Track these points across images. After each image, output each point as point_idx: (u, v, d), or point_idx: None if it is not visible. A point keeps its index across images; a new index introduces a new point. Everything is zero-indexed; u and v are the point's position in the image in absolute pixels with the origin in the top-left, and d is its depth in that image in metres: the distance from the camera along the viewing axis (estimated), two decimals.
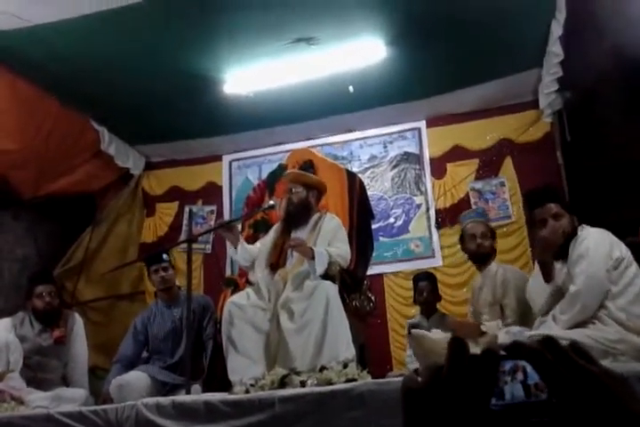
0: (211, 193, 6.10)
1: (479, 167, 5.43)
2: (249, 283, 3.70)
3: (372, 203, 4.65)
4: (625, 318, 2.68)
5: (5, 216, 5.34)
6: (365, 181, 4.95)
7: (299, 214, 3.67)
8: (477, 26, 4.31)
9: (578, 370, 0.50)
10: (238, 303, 3.30)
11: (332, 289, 3.23)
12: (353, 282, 3.72)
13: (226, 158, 6.17)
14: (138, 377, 3.62)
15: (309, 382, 2.76)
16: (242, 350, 3.17)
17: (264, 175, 5.19)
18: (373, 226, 4.63)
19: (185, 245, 3.68)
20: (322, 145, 5.81)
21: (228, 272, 5.53)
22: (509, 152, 5.38)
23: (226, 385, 3.15)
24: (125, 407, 2.67)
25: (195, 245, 3.98)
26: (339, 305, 3.19)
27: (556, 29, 4.29)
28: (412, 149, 5.71)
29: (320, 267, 3.31)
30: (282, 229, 3.70)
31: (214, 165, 6.18)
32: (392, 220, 5.56)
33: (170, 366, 3.83)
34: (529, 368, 0.51)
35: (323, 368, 2.86)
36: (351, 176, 4.27)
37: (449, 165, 5.54)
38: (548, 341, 0.52)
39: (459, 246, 5.20)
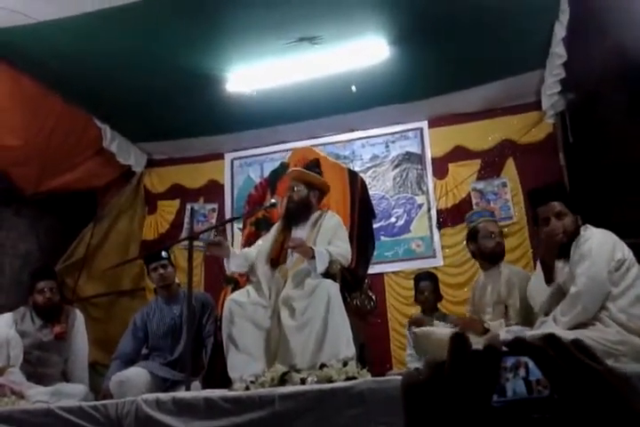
0: (212, 191, 6.11)
1: (481, 168, 5.43)
2: (249, 281, 3.70)
3: (373, 202, 4.65)
4: (626, 320, 2.68)
5: (7, 212, 5.35)
6: (367, 181, 4.96)
7: (298, 212, 3.67)
8: (480, 26, 4.31)
9: (580, 367, 0.50)
10: (238, 301, 3.30)
11: (333, 287, 3.23)
12: (354, 281, 3.72)
13: (228, 156, 6.18)
14: (138, 373, 3.63)
15: (309, 379, 2.77)
16: (242, 347, 3.17)
17: (266, 174, 5.20)
18: (375, 225, 4.63)
19: (186, 243, 3.69)
20: (324, 144, 5.82)
21: (228, 271, 5.53)
22: (511, 153, 5.38)
23: (226, 382, 3.15)
24: (125, 403, 2.67)
25: (196, 243, 3.97)
26: (340, 303, 3.19)
27: (559, 31, 4.29)
28: (414, 148, 5.72)
29: (321, 266, 3.31)
30: (282, 226, 3.70)
31: (216, 163, 6.19)
32: (393, 219, 5.56)
33: (169, 363, 3.84)
34: (531, 364, 0.51)
35: (323, 366, 2.87)
36: (353, 175, 4.27)
37: (451, 166, 5.54)
38: (551, 337, 0.52)
39: (460, 246, 5.24)
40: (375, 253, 4.36)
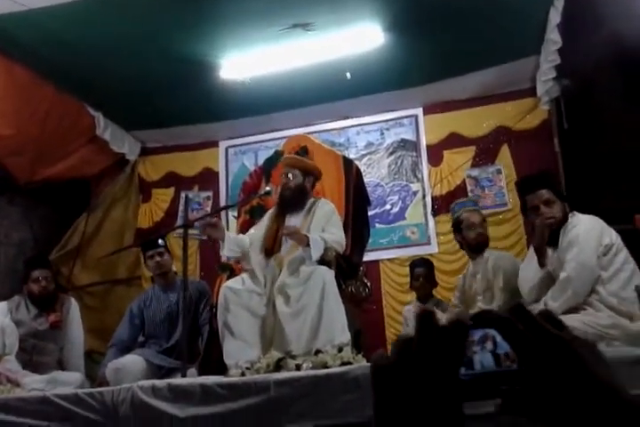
0: (207, 179, 6.10)
1: (476, 155, 5.43)
2: (244, 268, 3.70)
3: (368, 189, 4.64)
4: (616, 303, 2.72)
5: (1, 201, 5.33)
6: (362, 168, 4.95)
7: (294, 199, 3.66)
8: (475, 12, 4.29)
9: (546, 336, 0.50)
10: (233, 288, 3.31)
11: (328, 274, 3.24)
12: (349, 268, 3.72)
13: (222, 144, 6.16)
14: (134, 361, 3.64)
15: (305, 365, 2.78)
16: (237, 334, 3.18)
17: (260, 161, 5.18)
18: (370, 213, 4.63)
19: (181, 231, 3.68)
20: (319, 132, 5.79)
21: (224, 258, 5.53)
22: (506, 140, 5.38)
23: (221, 369, 3.17)
24: (121, 390, 2.68)
25: (191, 231, 3.97)
26: (335, 290, 3.20)
27: (555, 17, 4.28)
28: (409, 136, 5.71)
29: (316, 253, 3.31)
30: (276, 214, 3.70)
31: (210, 150, 6.17)
32: (388, 206, 5.57)
33: (166, 350, 3.85)
34: (499, 338, 0.51)
35: (318, 352, 2.88)
36: (348, 163, 4.26)
37: (445, 153, 5.54)
38: (517, 308, 0.52)
39: None
40: (370, 240, 4.37)
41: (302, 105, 5.54)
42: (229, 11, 4.18)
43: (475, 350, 0.51)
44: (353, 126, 5.86)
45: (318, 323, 3.07)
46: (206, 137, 6.10)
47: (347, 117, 5.84)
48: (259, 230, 3.67)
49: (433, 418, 0.49)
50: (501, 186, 5.30)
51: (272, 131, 5.94)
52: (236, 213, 4.72)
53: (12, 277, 4.95)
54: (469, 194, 5.25)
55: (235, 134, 6.07)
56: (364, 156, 5.75)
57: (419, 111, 5.71)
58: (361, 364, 2.62)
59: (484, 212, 5.06)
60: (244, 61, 4.83)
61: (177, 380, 2.85)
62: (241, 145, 6.12)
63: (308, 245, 3.32)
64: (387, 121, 5.79)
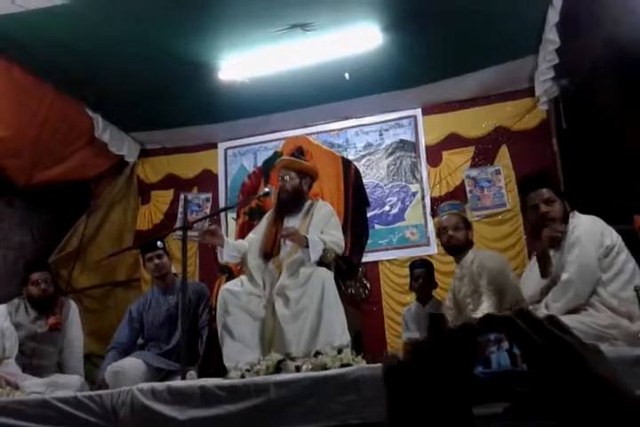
0: (206, 181, 6.09)
1: (475, 155, 5.43)
2: (243, 270, 3.70)
3: (367, 191, 4.65)
4: (617, 304, 2.73)
5: (0, 204, 5.32)
6: (361, 169, 4.95)
7: (291, 202, 3.65)
8: (473, 13, 4.28)
9: (551, 338, 0.51)
10: (232, 290, 3.31)
11: (327, 276, 3.24)
12: (348, 269, 3.73)
13: (221, 146, 6.16)
14: (133, 364, 3.63)
15: (304, 367, 2.78)
16: (237, 336, 3.18)
17: (259, 163, 5.19)
18: (369, 214, 4.63)
19: (180, 233, 3.68)
20: (317, 132, 5.80)
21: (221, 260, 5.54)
22: (505, 140, 5.38)
23: (221, 371, 3.16)
24: (121, 393, 2.67)
25: (190, 233, 3.96)
26: (334, 292, 3.20)
27: (553, 16, 4.27)
28: (408, 136, 5.71)
29: (315, 254, 3.31)
30: (274, 217, 3.69)
31: (210, 152, 6.17)
32: (387, 207, 5.56)
33: (165, 353, 3.84)
34: None
35: (317, 353, 2.88)
36: (346, 164, 4.27)
37: (444, 153, 5.54)
38: (521, 312, 0.53)
39: None
40: (369, 241, 4.37)
41: (301, 106, 5.54)
42: (228, 12, 4.18)
43: (492, 349, 0.52)
44: (352, 127, 5.86)
45: (318, 325, 3.07)
46: (205, 138, 6.10)
47: (346, 118, 5.84)
48: (257, 234, 3.67)
49: (444, 418, 0.50)
50: (500, 186, 5.30)
51: (271, 132, 5.94)
52: (235, 215, 4.71)
53: (11, 280, 4.94)
54: (468, 195, 5.25)
55: (234, 136, 6.07)
56: (362, 157, 5.75)
57: (417, 112, 5.71)
58: (360, 365, 2.61)
59: (483, 212, 5.09)
60: (242, 62, 4.83)
61: (176, 382, 2.84)
62: (240, 146, 6.12)
63: (306, 246, 3.31)
64: (386, 122, 5.79)
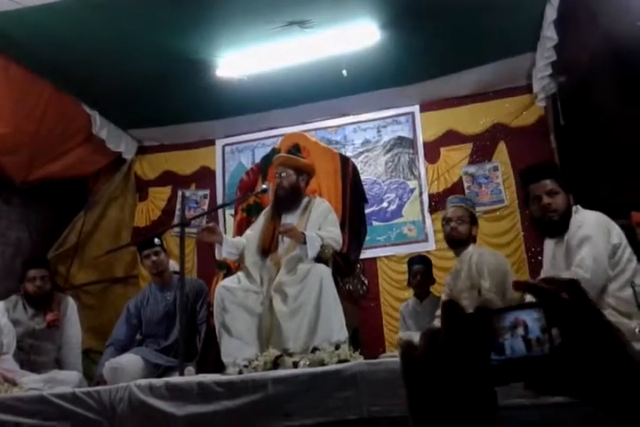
0: (204, 177, 6.09)
1: (473, 152, 5.43)
2: (241, 266, 3.70)
3: (365, 187, 4.65)
4: (614, 304, 2.69)
5: None
6: (359, 166, 4.95)
7: (289, 199, 3.66)
8: (471, 9, 4.28)
9: (594, 315, 0.51)
10: (229, 287, 3.31)
11: (325, 272, 3.24)
12: (346, 265, 3.73)
13: (219, 143, 6.15)
14: (131, 360, 3.64)
15: (302, 362, 2.79)
16: (235, 332, 3.18)
17: (257, 160, 5.19)
18: (367, 210, 4.64)
19: (178, 230, 3.68)
20: (315, 129, 5.80)
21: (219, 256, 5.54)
22: (503, 137, 5.38)
23: (219, 367, 3.17)
24: (119, 389, 2.68)
25: (187, 230, 3.96)
26: (332, 288, 3.21)
27: (550, 13, 4.27)
28: (406, 133, 5.71)
29: (312, 251, 3.32)
30: (272, 213, 3.69)
31: (207, 149, 6.16)
32: (385, 204, 5.57)
33: (163, 349, 3.85)
34: (530, 323, 0.52)
35: (315, 349, 2.89)
36: (344, 160, 4.26)
37: (442, 150, 5.54)
38: (572, 283, 0.53)
39: None
40: (367, 237, 4.37)
41: (299, 103, 5.54)
42: (225, 9, 4.17)
43: (506, 336, 0.52)
44: (350, 124, 5.86)
45: (316, 321, 3.07)
46: (203, 135, 6.10)
47: (344, 115, 5.84)
48: (255, 231, 3.67)
49: (467, 406, 0.50)
50: (498, 183, 5.30)
51: (269, 129, 5.94)
52: (233, 212, 4.71)
53: (9, 277, 4.94)
54: (466, 191, 5.25)
55: (231, 132, 6.07)
56: (360, 153, 5.75)
57: (415, 109, 5.71)
58: (358, 361, 2.62)
59: (481, 209, 5.09)
60: (240, 59, 4.82)
61: (174, 378, 2.85)
62: (238, 143, 6.11)
63: (304, 242, 3.32)
64: (383, 118, 5.79)
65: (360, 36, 4.62)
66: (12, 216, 5.44)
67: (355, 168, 4.29)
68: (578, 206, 2.96)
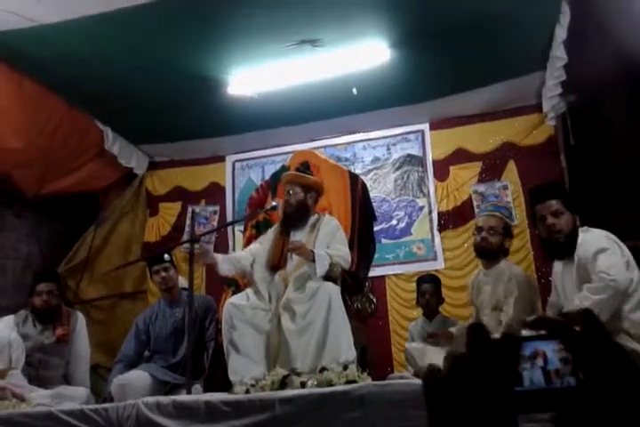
0: (214, 193, 6.12)
1: (482, 170, 5.43)
2: (249, 283, 3.70)
3: (374, 205, 4.65)
4: (628, 326, 2.63)
5: (9, 214, 5.36)
6: (368, 183, 4.96)
7: (297, 216, 3.66)
8: (481, 29, 4.31)
9: (610, 345, 0.50)
10: (237, 304, 3.31)
11: (334, 290, 3.23)
12: (355, 283, 3.72)
13: (229, 159, 6.19)
14: (139, 376, 3.64)
15: (309, 382, 2.77)
16: (242, 350, 3.18)
17: (267, 176, 5.21)
18: (376, 228, 4.63)
19: (187, 245, 3.69)
20: (325, 146, 5.82)
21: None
22: (513, 155, 5.38)
23: (226, 385, 3.16)
24: (126, 406, 2.68)
25: (197, 246, 3.97)
26: (341, 306, 3.20)
27: (560, 33, 4.29)
28: (415, 151, 5.72)
29: (321, 268, 3.31)
30: (280, 230, 3.70)
31: (218, 165, 6.20)
32: (394, 222, 5.57)
33: (171, 366, 3.84)
34: (550, 354, 0.51)
35: (323, 369, 2.87)
36: (353, 178, 4.27)
37: (452, 168, 5.54)
38: (587, 312, 0.52)
39: (461, 249, 5.24)
40: (376, 255, 4.36)
41: (309, 120, 5.57)
42: (238, 27, 4.22)
43: (525, 366, 0.51)
44: (359, 141, 5.88)
45: (324, 340, 3.06)
46: (213, 151, 6.14)
47: (353, 132, 5.86)
48: (263, 246, 3.67)
49: None
50: (508, 202, 5.29)
51: (279, 145, 5.97)
52: (242, 228, 4.72)
53: (19, 291, 4.97)
54: (476, 210, 5.24)
55: (242, 149, 6.10)
56: (370, 171, 5.76)
57: (425, 127, 5.73)
58: (366, 382, 2.61)
59: None
60: (251, 77, 4.87)
61: (181, 397, 2.84)
62: (248, 159, 6.14)
63: (313, 260, 3.32)
64: (393, 136, 5.80)
65: (370, 54, 4.65)
66: (22, 230, 5.48)
67: (364, 186, 4.30)
68: (587, 227, 2.95)
